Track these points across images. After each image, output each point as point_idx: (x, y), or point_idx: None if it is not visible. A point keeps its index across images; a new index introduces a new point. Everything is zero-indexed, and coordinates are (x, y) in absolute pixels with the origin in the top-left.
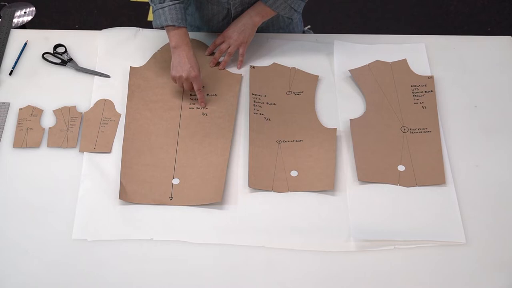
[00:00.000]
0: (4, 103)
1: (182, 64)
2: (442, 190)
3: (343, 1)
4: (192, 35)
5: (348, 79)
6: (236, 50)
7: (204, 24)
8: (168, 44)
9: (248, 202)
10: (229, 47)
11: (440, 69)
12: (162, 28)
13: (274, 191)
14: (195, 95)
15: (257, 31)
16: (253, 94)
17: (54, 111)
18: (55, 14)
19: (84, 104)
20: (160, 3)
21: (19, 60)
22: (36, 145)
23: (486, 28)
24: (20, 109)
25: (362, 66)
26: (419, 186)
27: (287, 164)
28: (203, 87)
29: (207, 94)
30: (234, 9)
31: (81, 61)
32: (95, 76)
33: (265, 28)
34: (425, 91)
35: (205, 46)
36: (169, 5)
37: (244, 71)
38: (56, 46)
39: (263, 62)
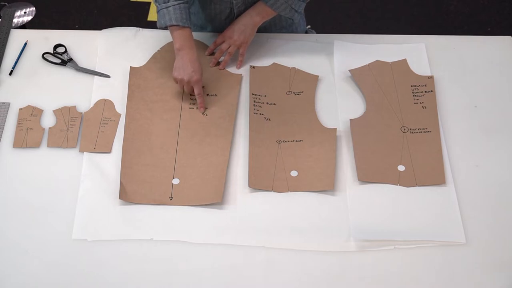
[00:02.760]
0: (4, 103)
1: (185, 67)
2: (442, 190)
3: (343, 1)
4: (195, 35)
5: (348, 79)
6: (236, 50)
7: (207, 23)
8: (168, 44)
9: (248, 202)
10: (229, 47)
11: (440, 69)
12: (166, 28)
13: (274, 191)
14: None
15: (259, 31)
16: (253, 94)
17: (54, 111)
18: (55, 14)
19: (84, 104)
20: (164, 2)
21: (19, 60)
22: (36, 145)
23: (486, 28)
24: (20, 109)
25: (362, 66)
26: (419, 186)
27: (287, 164)
28: (203, 87)
29: (207, 94)
30: (237, 8)
31: (81, 61)
32: (95, 76)
33: (268, 28)
34: (425, 91)
35: (206, 46)
36: (174, 5)
37: (244, 71)
38: (56, 46)
39: (263, 62)
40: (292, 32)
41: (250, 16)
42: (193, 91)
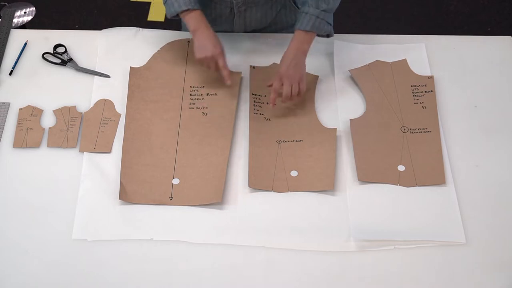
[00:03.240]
0: (4, 103)
1: (205, 44)
2: (442, 190)
3: (343, 1)
4: None
5: (348, 79)
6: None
7: (208, 23)
8: (168, 44)
9: (248, 202)
10: (290, 86)
11: (440, 69)
12: (177, 16)
13: (274, 191)
14: (195, 94)
15: (259, 31)
16: (253, 94)
17: (54, 111)
18: (55, 14)
19: (84, 104)
20: None
21: (19, 60)
22: (36, 145)
23: (486, 28)
24: (20, 109)
25: (362, 66)
26: (419, 186)
27: (287, 164)
28: (203, 86)
29: (207, 94)
30: (237, 8)
31: (81, 61)
32: (95, 76)
33: (268, 28)
34: (425, 91)
35: None
36: None
37: (244, 71)
38: (56, 46)
39: (263, 62)
40: (292, 32)
41: (297, 48)
42: (218, 68)
